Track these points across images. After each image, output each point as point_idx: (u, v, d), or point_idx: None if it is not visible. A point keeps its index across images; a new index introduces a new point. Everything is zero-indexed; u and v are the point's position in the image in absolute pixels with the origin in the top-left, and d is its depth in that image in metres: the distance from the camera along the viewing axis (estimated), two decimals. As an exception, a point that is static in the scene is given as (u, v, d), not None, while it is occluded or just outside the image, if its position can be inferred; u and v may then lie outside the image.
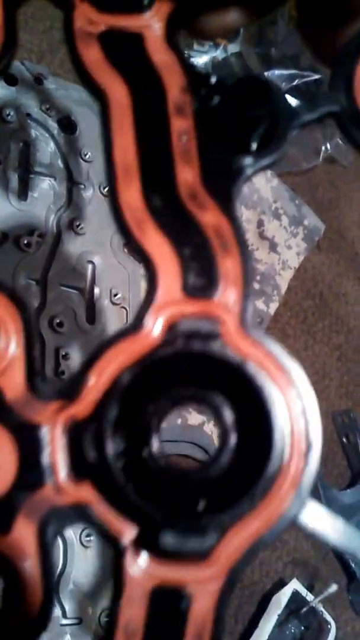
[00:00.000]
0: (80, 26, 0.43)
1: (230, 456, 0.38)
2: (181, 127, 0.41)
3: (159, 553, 0.36)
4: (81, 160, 1.14)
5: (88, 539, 0.98)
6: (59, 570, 0.95)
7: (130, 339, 0.37)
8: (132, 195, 0.40)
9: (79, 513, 0.36)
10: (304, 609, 1.18)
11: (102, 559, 0.98)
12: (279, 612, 1.16)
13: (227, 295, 0.38)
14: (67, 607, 0.95)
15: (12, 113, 1.07)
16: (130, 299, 1.14)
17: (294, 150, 1.58)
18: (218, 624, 0.36)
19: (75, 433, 0.37)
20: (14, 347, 0.38)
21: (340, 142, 1.61)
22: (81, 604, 0.96)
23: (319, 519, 0.37)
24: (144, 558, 0.36)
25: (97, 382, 0.37)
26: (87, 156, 1.14)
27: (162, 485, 0.37)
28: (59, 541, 0.96)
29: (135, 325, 0.38)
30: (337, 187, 1.70)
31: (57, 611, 0.94)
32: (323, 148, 1.60)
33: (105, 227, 1.11)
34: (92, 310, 1.09)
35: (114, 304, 1.12)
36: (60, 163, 1.12)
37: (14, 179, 1.06)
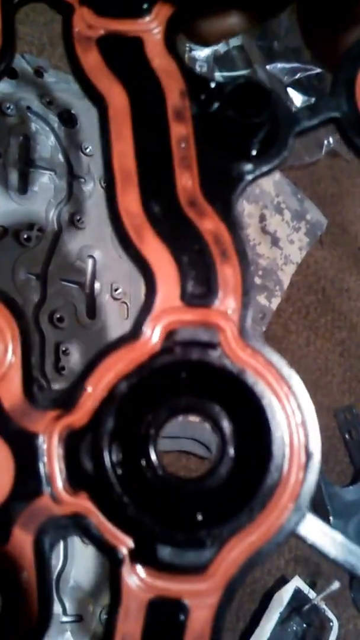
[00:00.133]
0: (79, 30, 0.43)
1: (228, 467, 0.38)
2: (180, 133, 0.41)
3: (157, 565, 0.36)
4: (82, 154, 1.14)
5: (88, 536, 0.98)
6: (59, 567, 0.95)
7: (128, 347, 0.37)
8: (130, 201, 0.39)
9: (76, 524, 0.36)
10: (306, 607, 1.18)
11: (103, 557, 0.98)
12: (281, 609, 1.16)
13: (226, 303, 0.38)
14: (67, 605, 0.95)
15: (12, 106, 1.06)
16: (131, 294, 1.13)
17: (296, 145, 1.57)
18: (216, 637, 0.36)
19: (72, 442, 0.36)
20: (11, 355, 0.37)
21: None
22: (81, 601, 0.96)
23: (318, 533, 0.37)
24: (141, 570, 0.36)
25: (94, 391, 0.37)
26: (88, 150, 1.14)
27: (160, 496, 0.37)
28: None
29: (133, 333, 0.37)
30: (340, 181, 1.69)
31: (57, 608, 0.93)
32: (325, 142, 1.59)
33: (105, 222, 1.09)
34: (92, 305, 1.09)
35: (114, 299, 1.11)
36: (60, 157, 1.12)
37: (14, 173, 1.05)
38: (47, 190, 1.08)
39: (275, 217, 1.47)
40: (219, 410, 0.39)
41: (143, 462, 0.37)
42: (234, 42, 1.51)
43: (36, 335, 1.00)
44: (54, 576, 0.94)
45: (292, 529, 0.36)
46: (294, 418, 0.37)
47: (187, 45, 1.35)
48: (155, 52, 0.43)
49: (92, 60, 0.42)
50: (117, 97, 0.41)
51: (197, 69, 1.45)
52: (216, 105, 0.41)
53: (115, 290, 1.11)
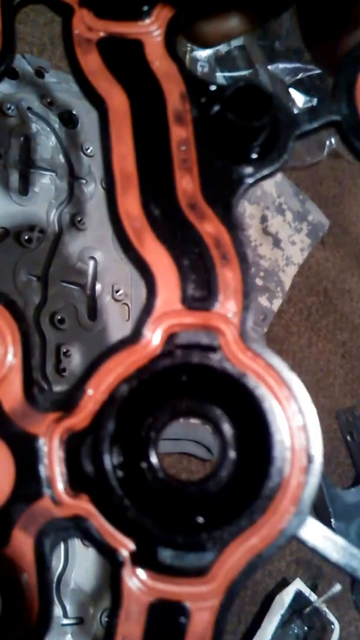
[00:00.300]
0: (79, 32, 0.43)
1: (229, 471, 0.38)
2: (181, 136, 0.41)
3: (157, 568, 0.36)
4: (82, 155, 1.13)
5: (89, 538, 0.98)
6: (60, 569, 0.95)
7: (129, 350, 0.37)
8: (131, 204, 0.39)
9: (77, 526, 0.36)
10: (307, 609, 1.18)
11: (104, 559, 0.98)
12: (282, 612, 1.16)
13: (227, 306, 0.38)
14: (67, 607, 0.95)
15: (12, 107, 1.06)
16: (132, 296, 1.13)
17: (298, 145, 1.57)
18: (217, 639, 0.36)
19: (73, 445, 0.36)
20: (12, 357, 0.37)
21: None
22: (82, 603, 0.96)
23: (319, 536, 0.37)
24: (142, 572, 0.36)
25: (95, 394, 0.37)
26: (89, 150, 1.14)
27: (160, 499, 0.37)
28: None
29: (134, 336, 0.37)
30: (342, 182, 1.69)
31: (58, 611, 0.93)
32: (327, 143, 1.59)
33: (107, 223, 1.09)
34: (93, 307, 1.09)
35: (115, 300, 1.11)
36: (61, 158, 1.11)
37: (15, 174, 1.05)
38: (48, 191, 1.08)
39: (277, 218, 1.47)
40: (220, 414, 0.38)
41: (144, 465, 0.37)
42: (236, 42, 1.51)
43: (37, 337, 1.00)
44: (55, 579, 0.94)
45: (293, 532, 0.36)
46: (295, 421, 0.37)
47: (188, 45, 1.35)
48: (155, 54, 0.43)
49: (92, 63, 0.42)
50: (117, 100, 0.41)
51: (199, 69, 1.45)
52: (216, 108, 0.41)
53: (117, 291, 1.11)
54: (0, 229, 1.02)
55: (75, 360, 1.03)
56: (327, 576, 1.29)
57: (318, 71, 1.54)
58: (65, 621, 0.94)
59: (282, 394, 0.37)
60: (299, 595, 1.19)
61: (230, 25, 0.46)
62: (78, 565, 0.96)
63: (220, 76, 1.50)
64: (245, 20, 0.46)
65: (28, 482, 0.36)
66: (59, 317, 1.03)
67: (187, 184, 0.40)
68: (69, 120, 1.14)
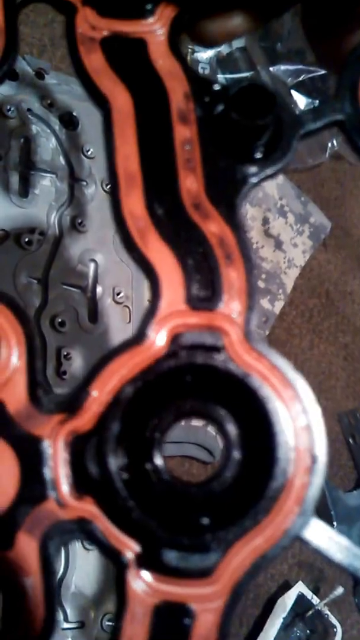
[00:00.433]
0: (83, 31, 0.43)
1: (233, 471, 0.38)
2: (185, 135, 0.41)
3: (162, 570, 0.35)
4: (83, 157, 1.13)
5: (90, 541, 0.97)
6: (60, 573, 0.95)
7: (133, 351, 0.37)
8: (134, 204, 0.39)
9: (81, 528, 0.36)
10: (310, 612, 1.18)
11: (105, 562, 0.98)
12: (284, 615, 1.16)
13: (231, 306, 0.38)
14: (68, 611, 0.95)
15: (12, 108, 1.06)
16: (133, 298, 1.13)
17: (299, 147, 1.57)
18: (222, 641, 0.36)
19: (77, 447, 0.36)
20: (16, 359, 0.37)
21: (346, 138, 1.60)
22: (83, 607, 0.96)
23: (323, 537, 0.36)
24: (146, 574, 0.35)
25: (99, 395, 0.36)
26: (89, 152, 1.13)
27: (165, 501, 0.37)
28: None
29: (138, 337, 0.37)
30: (344, 184, 1.69)
31: (58, 615, 0.93)
32: (329, 144, 1.59)
33: (107, 225, 1.10)
34: (94, 310, 1.09)
35: (116, 302, 1.11)
36: (61, 159, 1.11)
37: (15, 176, 1.05)
38: (48, 193, 1.08)
39: (279, 220, 1.47)
40: (224, 414, 0.38)
41: (148, 466, 0.37)
42: (237, 43, 1.51)
43: (37, 340, 1.00)
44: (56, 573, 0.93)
45: (297, 533, 0.36)
46: (299, 422, 0.37)
47: (190, 46, 1.34)
48: (159, 53, 0.43)
49: (95, 62, 0.42)
50: (120, 99, 0.41)
51: (200, 70, 1.45)
52: (220, 107, 0.41)
53: (118, 294, 1.11)
54: (0, 231, 1.02)
55: (76, 363, 1.03)
56: (330, 579, 1.29)
57: (320, 73, 1.54)
58: (66, 625, 0.94)
59: (287, 394, 0.37)
60: (301, 598, 1.19)
61: (234, 24, 0.46)
62: (79, 569, 0.96)
63: (222, 78, 1.49)
64: (248, 19, 0.46)
65: (33, 485, 0.36)
66: (60, 320, 1.02)
67: (191, 184, 0.40)
68: (69, 121, 1.13)
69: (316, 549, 0.37)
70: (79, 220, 1.09)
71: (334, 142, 1.58)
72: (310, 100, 1.55)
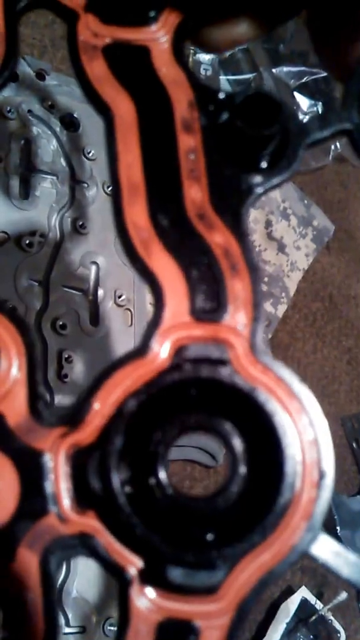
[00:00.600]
0: (85, 39, 0.42)
1: (239, 486, 0.37)
2: (189, 144, 0.40)
3: (166, 586, 0.35)
4: (84, 159, 1.13)
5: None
6: (62, 578, 0.95)
7: (136, 363, 0.36)
8: (138, 214, 0.39)
9: (83, 543, 0.35)
10: (313, 618, 1.17)
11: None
12: (288, 620, 1.16)
13: (237, 318, 0.37)
14: (70, 616, 0.94)
15: (13, 110, 1.06)
16: (135, 301, 1.13)
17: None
18: (227, 659, 0.35)
19: (79, 461, 0.36)
20: (16, 371, 0.37)
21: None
22: (85, 612, 0.95)
23: (331, 553, 0.36)
24: (150, 591, 0.35)
25: (101, 408, 0.36)
26: (91, 154, 1.13)
27: (169, 516, 0.36)
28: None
29: (142, 349, 0.37)
30: (347, 186, 1.69)
31: (60, 619, 0.93)
32: (332, 147, 1.59)
33: (109, 227, 1.10)
34: (95, 312, 1.09)
35: (118, 305, 1.11)
36: (62, 161, 1.11)
37: (15, 178, 1.05)
38: (49, 195, 1.08)
39: (282, 223, 1.47)
40: (230, 428, 0.38)
41: (152, 481, 0.37)
42: (241, 46, 1.50)
43: (38, 343, 1.00)
44: (57, 587, 0.93)
45: (304, 549, 0.36)
46: (306, 435, 0.36)
47: (192, 48, 1.34)
48: (162, 61, 0.42)
49: (98, 70, 0.42)
50: (123, 108, 0.41)
51: (202, 72, 1.45)
52: (225, 116, 0.41)
53: (119, 297, 1.11)
54: (1, 233, 1.01)
55: (78, 366, 1.02)
56: (333, 584, 1.29)
57: (323, 75, 1.53)
58: (68, 630, 0.94)
59: (293, 407, 0.36)
60: (304, 603, 1.19)
61: (239, 31, 0.45)
62: (80, 574, 0.96)
63: (224, 79, 1.49)
64: (253, 26, 0.45)
65: (33, 499, 0.35)
66: (61, 323, 1.02)
67: (195, 194, 0.39)
68: (70, 123, 1.13)
69: (324, 565, 0.36)
70: (80, 223, 1.09)
71: (337, 144, 1.58)
72: (313, 102, 1.54)
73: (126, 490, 0.35)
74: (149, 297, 0.37)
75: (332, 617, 1.20)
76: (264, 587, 0.36)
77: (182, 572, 0.35)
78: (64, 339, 1.03)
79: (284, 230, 1.47)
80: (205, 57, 1.47)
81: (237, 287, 0.38)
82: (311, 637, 1.17)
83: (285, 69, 1.54)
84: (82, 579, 0.96)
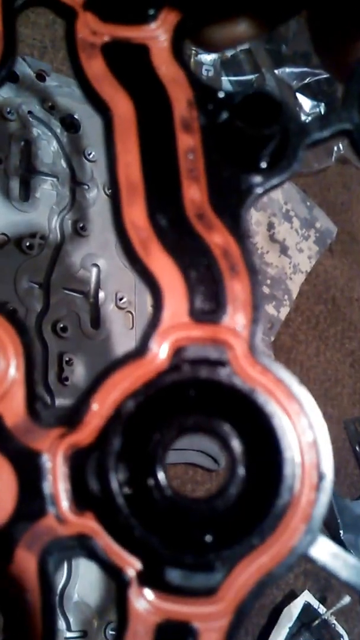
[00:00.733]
0: (83, 37, 0.42)
1: (238, 488, 0.37)
2: (188, 144, 0.40)
3: (165, 588, 0.35)
4: (85, 160, 1.13)
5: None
6: (63, 582, 0.94)
7: (135, 364, 0.36)
8: (136, 214, 0.38)
9: (82, 545, 0.35)
10: (316, 622, 1.17)
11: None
12: (290, 624, 1.15)
13: (236, 319, 0.37)
14: (71, 620, 0.94)
15: (13, 111, 1.05)
16: (136, 303, 1.13)
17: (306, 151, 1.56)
18: (226, 661, 0.35)
19: (77, 462, 0.35)
20: (14, 371, 0.36)
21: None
22: (86, 616, 0.95)
23: (330, 555, 0.36)
24: (149, 592, 0.35)
25: (100, 409, 0.36)
26: (91, 156, 1.13)
27: (168, 517, 0.36)
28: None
29: (140, 350, 0.37)
30: (350, 188, 1.69)
31: (61, 624, 0.93)
32: (335, 148, 1.59)
33: (109, 229, 1.09)
34: (96, 315, 1.08)
35: (119, 308, 1.11)
36: (63, 163, 1.11)
37: (16, 180, 1.04)
38: (50, 197, 1.08)
39: (284, 225, 1.46)
40: (229, 430, 0.38)
41: (151, 482, 0.36)
42: (242, 45, 1.50)
43: (39, 346, 0.99)
44: (58, 591, 0.93)
45: (303, 551, 0.35)
46: (306, 437, 0.36)
47: (193, 48, 1.34)
48: (161, 59, 0.42)
49: (96, 68, 0.41)
50: (122, 107, 0.40)
51: (203, 73, 1.45)
52: (225, 115, 0.41)
53: (120, 299, 1.10)
54: (1, 235, 1.01)
55: (78, 369, 1.02)
56: (336, 588, 1.28)
57: (325, 75, 1.53)
58: (69, 634, 0.94)
59: (292, 409, 0.36)
60: (307, 607, 1.18)
61: (238, 31, 0.45)
62: (82, 578, 0.95)
63: (226, 80, 1.49)
64: (253, 26, 0.45)
65: (31, 500, 0.35)
66: (62, 326, 1.02)
67: (194, 194, 0.39)
68: (70, 124, 1.13)
69: (323, 567, 0.36)
70: (81, 225, 1.08)
71: (340, 146, 1.58)
72: (315, 103, 1.54)
73: (124, 491, 0.35)
74: (150, 300, 0.37)
75: (335, 622, 1.20)
76: (263, 589, 0.35)
77: (181, 574, 0.35)
78: (65, 342, 1.02)
79: (286, 232, 1.46)
80: (207, 58, 1.47)
81: (237, 288, 0.38)
82: (314, 641, 1.17)
83: (287, 69, 1.54)
84: (84, 583, 0.96)
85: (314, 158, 1.58)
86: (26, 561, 0.35)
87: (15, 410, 0.36)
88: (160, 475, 0.37)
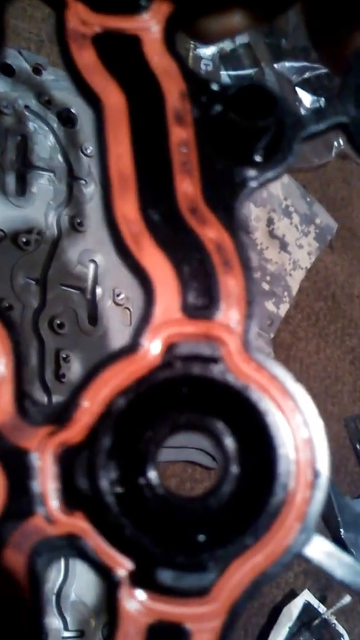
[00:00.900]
0: (74, 27, 0.41)
1: (231, 486, 0.36)
2: (181, 137, 0.39)
3: (156, 588, 0.34)
4: (82, 155, 1.13)
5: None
6: (60, 582, 0.94)
7: (126, 361, 0.36)
8: (128, 207, 0.38)
9: (71, 545, 0.35)
10: (316, 621, 1.17)
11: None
12: (290, 624, 1.15)
13: (229, 315, 0.37)
14: (68, 620, 0.94)
15: (9, 105, 1.05)
16: (134, 300, 1.12)
17: (305, 146, 1.56)
18: (219, 662, 0.34)
19: (67, 460, 0.35)
20: (2, 368, 0.36)
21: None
22: (83, 616, 0.95)
23: (325, 554, 0.35)
24: (140, 593, 0.34)
25: (90, 406, 0.35)
26: (88, 150, 1.13)
27: (159, 517, 0.36)
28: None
29: (132, 346, 0.36)
30: (350, 184, 1.68)
31: (58, 624, 0.93)
32: (335, 144, 1.58)
33: (107, 225, 1.09)
34: (94, 311, 1.08)
35: (117, 304, 1.10)
36: (60, 157, 1.10)
37: (12, 175, 1.04)
38: (46, 192, 1.07)
39: (284, 221, 1.46)
40: (222, 427, 0.37)
41: (142, 481, 0.36)
42: (241, 40, 1.50)
43: (35, 342, 0.99)
44: (55, 591, 0.93)
45: (298, 550, 0.35)
46: (300, 434, 0.35)
47: (192, 43, 1.34)
48: (153, 51, 0.42)
49: (87, 59, 0.41)
50: (113, 98, 0.40)
51: (202, 67, 1.45)
52: (218, 108, 0.40)
53: (118, 295, 1.10)
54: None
55: (75, 366, 1.02)
56: (336, 587, 1.28)
57: (326, 70, 1.53)
58: (66, 634, 0.93)
59: (287, 406, 0.36)
60: (307, 607, 1.18)
61: (233, 22, 0.44)
62: (79, 578, 0.95)
63: (225, 74, 1.49)
64: (247, 17, 0.44)
65: (20, 499, 0.35)
66: (59, 322, 1.02)
67: (187, 187, 0.39)
68: (67, 119, 1.13)
69: (318, 566, 0.35)
70: (78, 220, 1.08)
71: (340, 141, 1.58)
72: (315, 97, 1.54)
73: (115, 490, 0.34)
74: (143, 300, 0.36)
75: (335, 621, 1.20)
76: (257, 589, 0.35)
77: (173, 574, 0.34)
78: (62, 339, 1.02)
79: (286, 228, 1.46)
80: (206, 52, 1.47)
81: (230, 283, 0.37)
82: (314, 641, 1.17)
83: (287, 64, 1.54)
84: (81, 582, 0.96)
85: (314, 153, 1.57)
86: (15, 561, 0.34)
87: (3, 408, 0.36)
88: (152, 474, 0.36)
